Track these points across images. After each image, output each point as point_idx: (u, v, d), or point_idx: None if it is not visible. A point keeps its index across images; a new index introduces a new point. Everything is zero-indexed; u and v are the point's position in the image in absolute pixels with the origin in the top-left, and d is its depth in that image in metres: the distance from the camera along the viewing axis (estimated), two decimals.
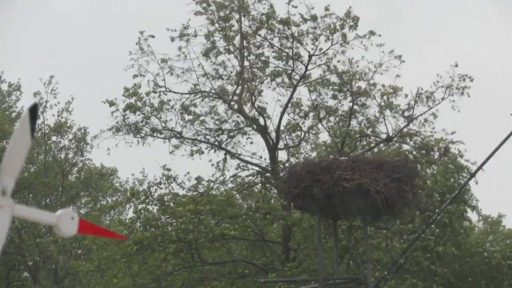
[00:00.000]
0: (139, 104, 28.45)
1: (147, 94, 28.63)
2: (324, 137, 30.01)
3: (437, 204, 26.59)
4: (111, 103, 28.44)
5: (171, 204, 27.07)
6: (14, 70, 73.42)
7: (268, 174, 28.59)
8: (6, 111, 39.23)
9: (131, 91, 28.44)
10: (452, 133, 27.98)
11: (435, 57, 59.63)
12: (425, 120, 27.92)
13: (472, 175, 22.52)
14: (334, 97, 28.60)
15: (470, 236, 30.06)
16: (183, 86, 28.78)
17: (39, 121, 38.85)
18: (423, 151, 28.01)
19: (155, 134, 28.62)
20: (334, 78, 28.41)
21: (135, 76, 28.60)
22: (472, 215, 31.06)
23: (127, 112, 28.44)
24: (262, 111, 28.73)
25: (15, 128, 4.27)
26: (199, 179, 27.83)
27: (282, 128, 28.79)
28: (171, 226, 26.78)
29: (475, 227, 33.22)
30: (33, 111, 4.28)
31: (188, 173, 28.39)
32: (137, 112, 28.45)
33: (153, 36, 28.61)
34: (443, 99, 27.50)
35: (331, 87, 28.49)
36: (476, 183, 26.64)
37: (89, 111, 53.85)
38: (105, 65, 65.39)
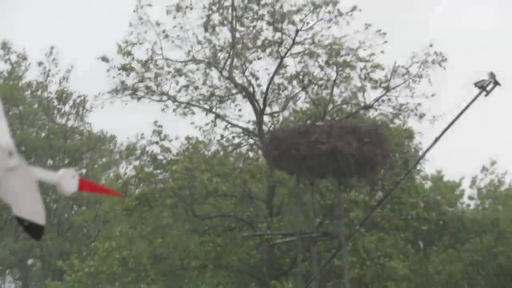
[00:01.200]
0: (133, 64, 29.64)
1: (146, 62, 29.82)
2: (302, 104, 31.31)
3: (402, 166, 28.06)
4: (105, 59, 29.67)
5: (164, 161, 28.49)
6: (22, 40, 74.27)
7: (255, 137, 30.05)
8: (15, 80, 40.50)
9: (124, 49, 29.60)
10: (432, 95, 29.25)
11: (410, 35, 60.06)
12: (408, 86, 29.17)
13: (436, 140, 23.92)
14: (321, 68, 29.80)
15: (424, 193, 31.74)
16: (178, 52, 29.94)
17: (44, 90, 40.21)
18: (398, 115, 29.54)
19: (149, 96, 29.79)
20: (320, 51, 29.60)
21: (134, 44, 29.81)
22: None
23: (121, 71, 29.62)
24: (251, 78, 30.12)
25: None
26: (188, 138, 29.18)
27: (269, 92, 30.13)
28: (166, 183, 28.17)
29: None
30: None
31: (184, 137, 29.66)
32: (132, 73, 29.65)
33: (150, 5, 29.72)
34: (420, 76, 28.80)
35: (317, 59, 29.67)
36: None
37: (91, 80, 54.99)
38: (106, 33, 66.22)
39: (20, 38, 72.21)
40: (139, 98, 29.86)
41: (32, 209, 4.40)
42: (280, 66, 29.94)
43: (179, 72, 29.92)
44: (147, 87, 29.82)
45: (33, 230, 4.41)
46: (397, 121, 30.02)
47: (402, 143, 28.99)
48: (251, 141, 30.77)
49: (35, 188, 4.41)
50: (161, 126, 29.02)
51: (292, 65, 30.39)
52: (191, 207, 28.14)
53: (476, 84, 21.19)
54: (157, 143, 28.97)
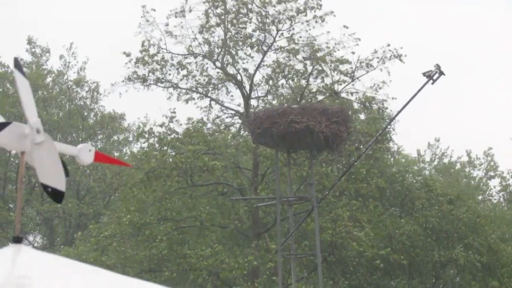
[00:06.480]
0: (146, 59, 30.43)
1: (153, 55, 30.63)
2: (285, 90, 32.23)
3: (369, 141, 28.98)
4: (127, 54, 30.54)
5: (169, 138, 29.31)
6: (45, 35, 74.89)
7: (243, 117, 31.01)
8: (39, 68, 41.26)
9: (145, 47, 30.46)
10: (393, 98, 30.51)
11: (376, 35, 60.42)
12: (376, 85, 30.12)
13: (391, 120, 24.93)
14: (301, 61, 30.71)
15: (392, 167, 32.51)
16: (180, 48, 30.90)
17: (64, 77, 41.07)
18: (363, 104, 30.58)
19: (158, 84, 30.67)
20: (298, 47, 30.46)
21: (143, 41, 30.63)
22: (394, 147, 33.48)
23: (138, 64, 30.46)
24: (240, 69, 31.11)
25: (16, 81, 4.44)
26: (190, 119, 30.17)
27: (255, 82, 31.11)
28: (171, 158, 29.05)
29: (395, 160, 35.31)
30: (16, 62, 4.55)
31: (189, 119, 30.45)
32: (145, 66, 30.46)
33: (154, 10, 30.47)
34: (380, 68, 29.82)
35: (296, 54, 30.57)
36: (394, 129, 29.66)
37: (103, 69, 55.91)
38: (117, 32, 66.81)
39: (43, 33, 72.69)
40: (148, 86, 30.73)
41: (55, 177, 4.48)
42: (263, 59, 30.91)
43: (180, 64, 30.83)
44: (157, 79, 30.70)
45: (55, 195, 4.53)
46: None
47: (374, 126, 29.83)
48: (240, 121, 31.74)
49: (58, 159, 4.49)
50: (174, 113, 29.80)
51: (274, 59, 31.32)
52: (191, 178, 29.10)
53: (424, 74, 21.87)
54: (161, 126, 29.77)
